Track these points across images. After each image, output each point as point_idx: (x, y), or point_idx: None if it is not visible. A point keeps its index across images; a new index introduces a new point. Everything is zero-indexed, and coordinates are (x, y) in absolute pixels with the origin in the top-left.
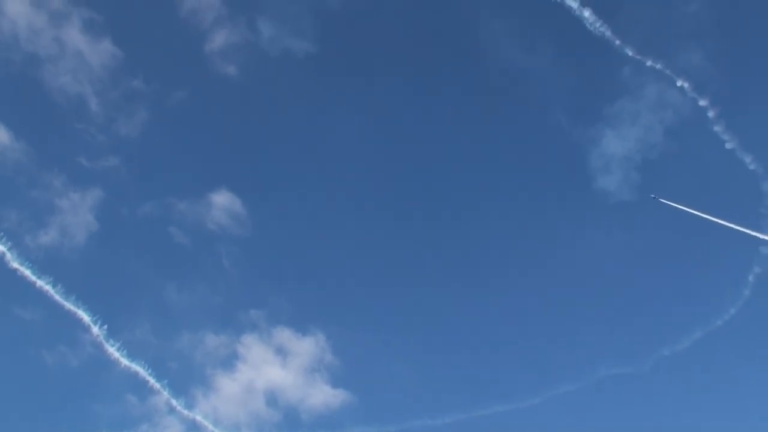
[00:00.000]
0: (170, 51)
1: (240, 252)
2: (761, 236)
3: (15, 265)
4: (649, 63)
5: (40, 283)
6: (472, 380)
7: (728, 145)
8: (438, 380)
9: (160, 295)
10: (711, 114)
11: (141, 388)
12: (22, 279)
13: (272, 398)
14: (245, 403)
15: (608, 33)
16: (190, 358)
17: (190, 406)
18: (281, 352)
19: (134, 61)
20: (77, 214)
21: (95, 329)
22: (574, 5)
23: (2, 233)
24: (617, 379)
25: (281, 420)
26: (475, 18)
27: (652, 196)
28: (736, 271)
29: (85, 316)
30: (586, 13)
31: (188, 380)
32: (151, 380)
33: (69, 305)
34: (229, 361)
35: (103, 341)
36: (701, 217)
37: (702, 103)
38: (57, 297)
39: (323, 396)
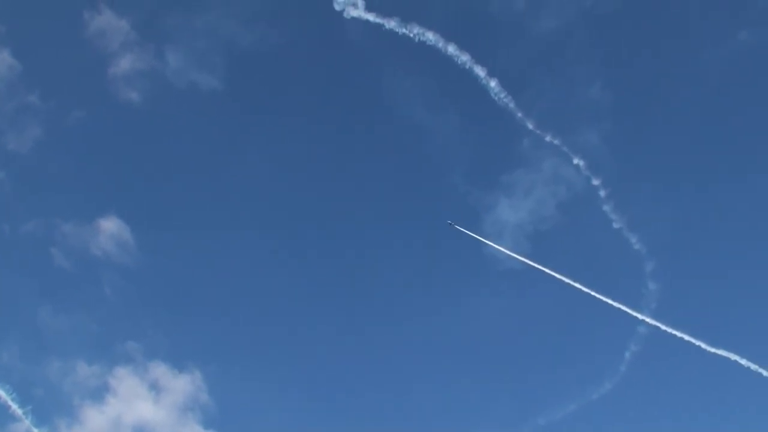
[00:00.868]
0: (72, 70)
1: (123, 281)
2: (639, 316)
3: None
4: (548, 138)
5: None
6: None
7: (616, 225)
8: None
9: (33, 317)
10: (602, 193)
11: (1, 413)
12: None
13: None
14: None
15: (512, 105)
16: (59, 386)
17: None
18: (155, 387)
19: (32, 76)
20: None
21: None
22: (482, 74)
23: None
24: None
25: None
26: (384, 73)
27: (449, 222)
28: (614, 346)
29: None
30: (492, 83)
31: (53, 409)
32: (13, 406)
33: None
34: (98, 393)
35: None
36: (584, 291)
37: (595, 182)
38: None
39: None
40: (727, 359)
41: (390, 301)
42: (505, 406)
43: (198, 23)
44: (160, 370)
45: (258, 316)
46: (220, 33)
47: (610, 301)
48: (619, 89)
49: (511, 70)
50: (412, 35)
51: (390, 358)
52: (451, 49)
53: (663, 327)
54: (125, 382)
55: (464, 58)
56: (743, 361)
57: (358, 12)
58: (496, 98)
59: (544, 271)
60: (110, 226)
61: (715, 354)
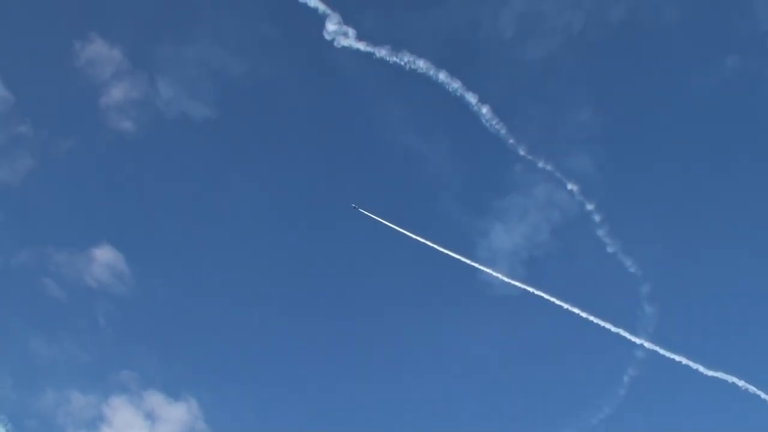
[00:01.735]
0: (64, 99)
1: (117, 310)
2: (637, 340)
3: None
4: (540, 164)
5: None
6: None
7: (610, 249)
8: None
9: (26, 348)
10: (596, 218)
11: None
12: None
13: None
14: None
15: (503, 131)
16: (53, 416)
17: None
18: (151, 416)
19: (24, 106)
20: None
21: None
22: (473, 101)
23: None
24: None
25: None
26: (376, 101)
27: (353, 205)
28: (612, 371)
29: None
30: (484, 110)
31: None
32: None
33: None
34: (93, 423)
35: None
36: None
37: (588, 207)
38: None
39: None
40: (725, 382)
41: (385, 329)
42: None
43: (189, 52)
44: (155, 399)
45: (253, 344)
46: (211, 62)
47: (607, 325)
48: (610, 114)
49: (502, 96)
50: (402, 63)
51: (385, 386)
52: (442, 76)
53: (661, 351)
54: (120, 411)
55: (455, 85)
56: (741, 383)
57: (349, 41)
58: (487, 125)
59: (540, 296)
60: (104, 255)
61: (713, 377)
